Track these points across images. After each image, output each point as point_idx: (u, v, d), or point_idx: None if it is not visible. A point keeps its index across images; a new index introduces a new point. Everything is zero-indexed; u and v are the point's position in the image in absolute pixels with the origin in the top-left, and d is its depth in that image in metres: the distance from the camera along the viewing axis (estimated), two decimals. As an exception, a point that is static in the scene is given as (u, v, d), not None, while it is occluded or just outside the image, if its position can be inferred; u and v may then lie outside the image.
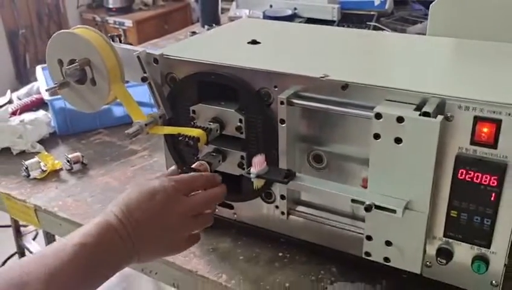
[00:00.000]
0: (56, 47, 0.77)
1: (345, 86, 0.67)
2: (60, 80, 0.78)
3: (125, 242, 0.63)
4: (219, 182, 0.74)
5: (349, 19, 1.93)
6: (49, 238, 1.86)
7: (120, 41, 0.83)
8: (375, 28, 1.83)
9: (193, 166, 0.76)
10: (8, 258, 2.35)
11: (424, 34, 1.73)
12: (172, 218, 0.67)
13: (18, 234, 2.28)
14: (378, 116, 0.61)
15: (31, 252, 2.19)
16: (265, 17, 1.93)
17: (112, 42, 0.77)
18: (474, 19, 1.02)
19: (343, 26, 1.87)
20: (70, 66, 0.75)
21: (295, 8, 1.94)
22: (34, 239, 2.29)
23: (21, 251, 2.34)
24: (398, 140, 0.61)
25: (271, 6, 1.99)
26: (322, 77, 0.68)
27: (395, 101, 0.63)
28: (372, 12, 1.94)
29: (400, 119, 0.60)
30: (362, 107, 0.66)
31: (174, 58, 0.78)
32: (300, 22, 1.92)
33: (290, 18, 1.92)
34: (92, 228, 0.62)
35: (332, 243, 0.78)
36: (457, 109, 0.60)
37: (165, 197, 0.66)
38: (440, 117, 0.59)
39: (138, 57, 0.77)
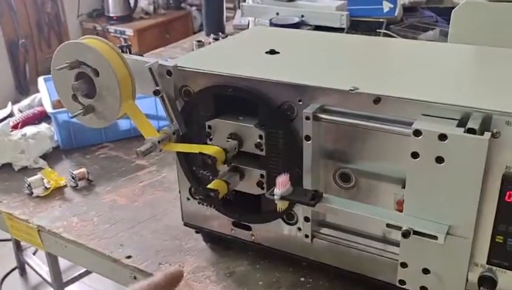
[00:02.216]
0: (62, 59, 0.71)
1: (377, 99, 0.61)
2: (77, 104, 0.73)
3: None
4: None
5: (357, 26, 1.89)
6: (51, 254, 1.80)
7: (130, 52, 0.78)
8: (386, 36, 1.79)
9: (210, 186, 0.70)
10: (9, 273, 2.29)
11: (436, 41, 1.71)
12: None
13: (18, 249, 2.23)
14: (418, 133, 0.56)
15: (31, 267, 2.14)
16: (272, 25, 1.89)
17: (122, 53, 0.71)
18: (499, 25, 0.98)
19: (352, 33, 1.83)
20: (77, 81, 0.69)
21: (302, 16, 1.90)
22: (34, 254, 2.23)
23: (21, 266, 2.28)
24: (439, 159, 0.56)
25: (277, 14, 1.95)
26: (351, 90, 0.63)
27: (433, 116, 0.58)
28: (381, 20, 1.90)
29: (443, 137, 0.55)
30: (395, 122, 0.61)
31: (189, 70, 0.73)
32: (307, 30, 1.87)
33: (297, 26, 1.87)
34: None
35: (360, 268, 0.72)
36: (504, 125, 0.54)
37: None
38: (488, 134, 0.54)
39: (150, 69, 0.72)
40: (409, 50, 0.86)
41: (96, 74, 0.69)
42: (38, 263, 2.09)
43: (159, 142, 0.71)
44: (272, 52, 0.80)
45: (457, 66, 0.76)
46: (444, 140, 0.55)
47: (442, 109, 0.58)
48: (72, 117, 0.76)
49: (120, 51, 0.72)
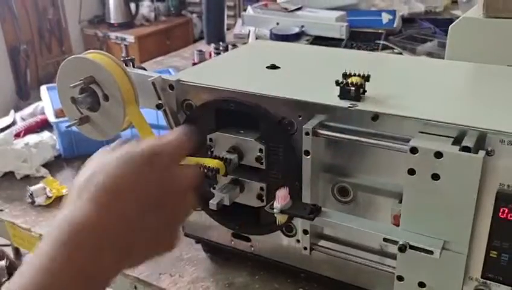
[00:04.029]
0: (67, 73, 0.73)
1: (375, 116, 0.63)
2: (79, 116, 0.74)
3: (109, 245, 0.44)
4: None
5: (357, 37, 1.91)
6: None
7: (133, 66, 0.80)
8: (384, 47, 1.81)
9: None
10: (7, 278, 2.29)
11: (434, 53, 1.72)
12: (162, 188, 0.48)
13: (17, 254, 2.23)
14: (414, 150, 0.57)
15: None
16: (272, 35, 1.91)
17: (126, 67, 0.73)
18: (496, 41, 0.99)
19: (352, 44, 1.85)
20: (81, 95, 0.71)
21: (302, 26, 1.92)
22: (33, 259, 2.23)
23: (20, 272, 2.29)
24: (435, 176, 0.57)
25: (277, 24, 1.97)
26: (350, 107, 0.64)
27: (430, 134, 0.60)
28: (380, 31, 1.92)
29: (438, 155, 0.56)
30: (393, 138, 0.62)
31: (191, 85, 0.75)
32: (307, 40, 1.89)
33: (297, 36, 1.89)
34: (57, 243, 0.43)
35: (357, 280, 0.73)
36: (499, 143, 0.56)
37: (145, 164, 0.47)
38: (482, 152, 0.55)
39: (153, 83, 0.73)
40: (407, 67, 0.87)
41: (106, 98, 0.71)
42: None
43: (161, 155, 0.72)
44: (273, 67, 0.81)
45: (454, 84, 0.78)
46: (440, 158, 0.56)
47: (439, 127, 0.59)
48: (67, 127, 0.77)
49: (124, 65, 0.74)
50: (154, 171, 0.48)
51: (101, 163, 0.47)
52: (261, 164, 0.73)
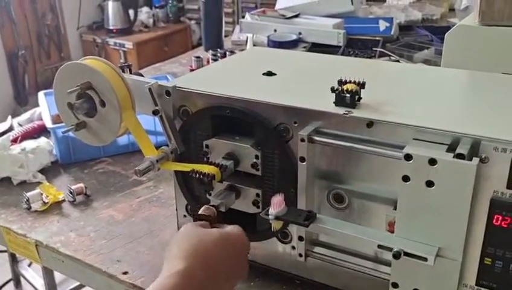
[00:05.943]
0: (64, 79, 0.73)
1: (370, 123, 0.63)
2: (75, 122, 0.75)
3: None
4: None
5: (354, 44, 1.92)
6: (46, 267, 1.80)
7: (130, 72, 0.80)
8: (381, 54, 1.81)
9: (200, 212, 0.71)
10: (3, 285, 2.28)
11: (431, 61, 1.73)
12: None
13: (13, 260, 2.22)
14: (409, 157, 0.58)
15: (26, 280, 2.13)
16: (270, 41, 1.91)
17: (122, 73, 0.73)
18: (491, 49, 1.00)
19: (349, 51, 1.85)
20: (78, 101, 0.71)
21: (300, 33, 1.92)
22: (29, 266, 2.23)
23: (16, 278, 2.27)
24: (429, 183, 0.57)
25: (275, 30, 1.97)
26: (345, 114, 0.65)
27: (424, 141, 0.60)
28: (377, 38, 1.93)
29: (433, 162, 0.56)
30: (388, 145, 0.63)
31: (187, 91, 0.75)
32: (305, 47, 1.90)
33: (295, 43, 1.90)
34: None
35: (352, 286, 0.73)
36: (492, 151, 0.56)
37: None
38: (476, 160, 0.55)
39: (150, 89, 0.74)
40: (403, 74, 0.88)
41: (103, 104, 0.71)
42: (33, 275, 2.08)
43: (157, 161, 0.72)
44: (269, 73, 0.82)
45: (449, 91, 0.78)
46: (434, 165, 0.56)
47: (433, 134, 0.60)
48: (64, 132, 0.77)
49: (121, 71, 0.74)
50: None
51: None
52: (257, 170, 0.73)
